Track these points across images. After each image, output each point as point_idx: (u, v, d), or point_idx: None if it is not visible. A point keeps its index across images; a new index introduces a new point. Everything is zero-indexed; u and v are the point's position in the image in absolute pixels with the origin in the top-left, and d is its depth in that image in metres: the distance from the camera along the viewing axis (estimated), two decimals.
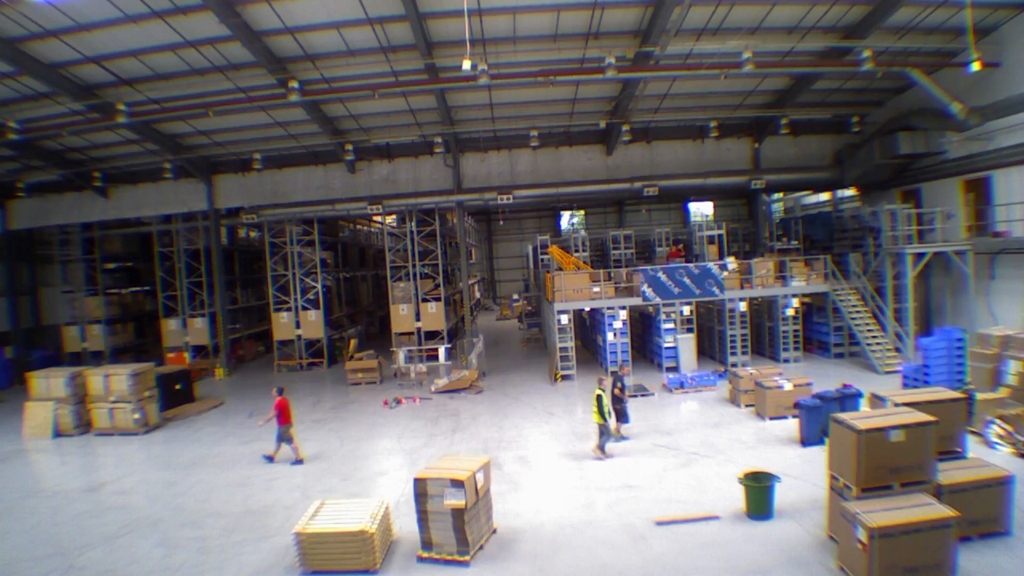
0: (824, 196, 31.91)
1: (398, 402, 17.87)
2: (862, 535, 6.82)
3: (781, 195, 35.87)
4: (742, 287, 19.52)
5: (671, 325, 19.31)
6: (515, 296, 40.38)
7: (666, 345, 19.29)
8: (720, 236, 23.24)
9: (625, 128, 21.89)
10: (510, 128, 23.40)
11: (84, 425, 16.76)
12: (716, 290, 19.22)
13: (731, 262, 19.82)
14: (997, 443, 11.25)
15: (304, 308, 25.08)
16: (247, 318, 29.70)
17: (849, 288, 19.38)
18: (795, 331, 19.81)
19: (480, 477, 8.64)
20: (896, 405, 8.39)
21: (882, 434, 7.39)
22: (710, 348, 21.44)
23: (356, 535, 8.07)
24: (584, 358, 22.90)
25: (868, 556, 6.74)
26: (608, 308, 19.36)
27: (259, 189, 24.97)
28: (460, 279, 28.17)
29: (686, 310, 19.45)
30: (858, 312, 18.83)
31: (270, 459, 13.08)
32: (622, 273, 20.43)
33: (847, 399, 12.32)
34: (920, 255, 18.52)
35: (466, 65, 14.72)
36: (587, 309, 22.10)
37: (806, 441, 12.04)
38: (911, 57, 18.82)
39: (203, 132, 22.33)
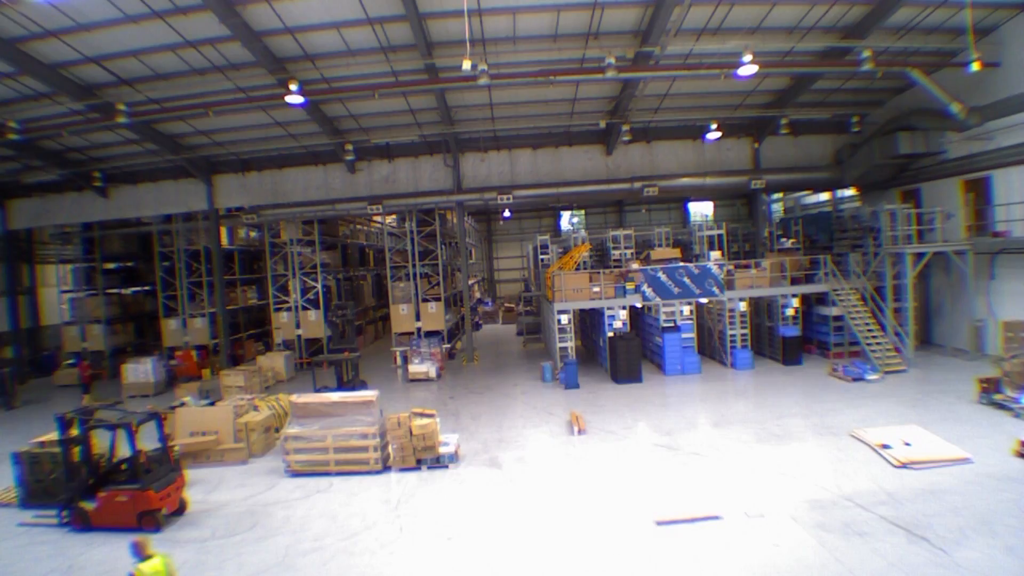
0: (824, 196, 31.93)
1: None
2: None
3: (781, 195, 35.89)
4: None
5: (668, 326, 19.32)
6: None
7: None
8: (720, 236, 23.26)
9: (625, 128, 21.87)
10: (510, 128, 23.40)
11: None
12: (716, 290, 19.23)
13: (715, 255, 20.07)
14: None
15: (304, 308, 25.08)
16: (247, 318, 29.70)
17: (849, 288, 19.38)
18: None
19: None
20: None
21: None
22: (711, 348, 21.45)
23: None
24: (584, 358, 22.91)
25: None
26: (608, 308, 19.39)
27: (259, 189, 24.97)
28: (460, 279, 28.18)
29: (686, 310, 19.46)
30: (858, 312, 18.83)
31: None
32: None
33: None
34: (920, 255, 18.54)
35: (466, 65, 14.73)
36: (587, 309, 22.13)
37: None
38: (911, 57, 18.82)
39: (203, 132, 22.32)
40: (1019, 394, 13.33)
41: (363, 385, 17.21)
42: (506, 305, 39.99)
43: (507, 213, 44.02)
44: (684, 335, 19.34)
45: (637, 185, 23.53)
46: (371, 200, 24.11)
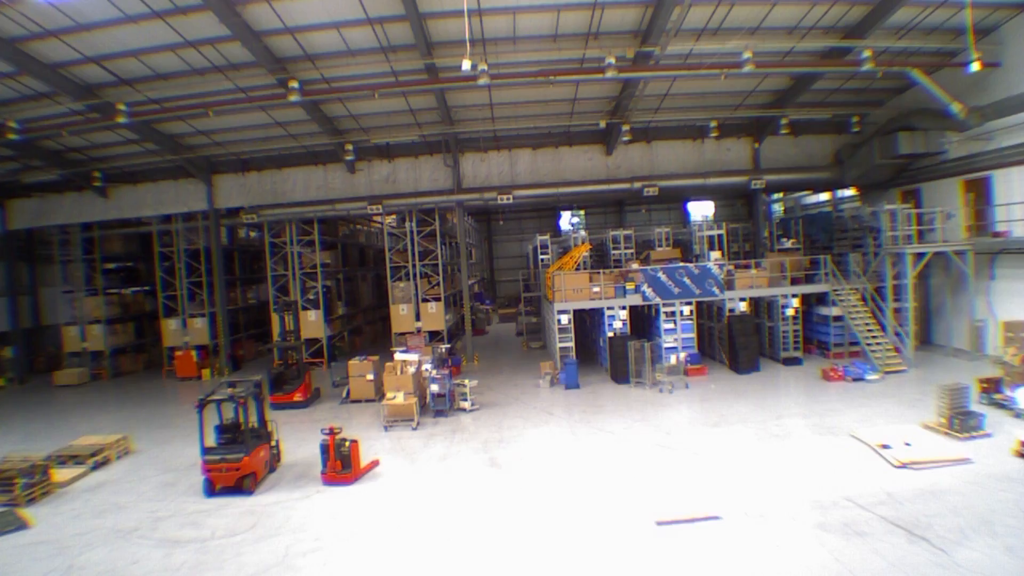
0: (824, 196, 31.91)
1: None
2: None
3: (781, 195, 35.88)
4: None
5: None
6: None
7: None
8: (720, 236, 23.25)
9: (625, 128, 21.87)
10: (510, 128, 23.39)
11: None
12: (716, 290, 19.23)
13: (715, 255, 20.11)
14: None
15: (304, 308, 25.06)
16: (247, 318, 29.69)
17: (849, 288, 19.37)
18: (795, 331, 19.85)
19: None
20: None
21: None
22: (710, 348, 21.45)
23: None
24: (584, 358, 22.89)
25: None
26: (608, 308, 19.38)
27: (259, 189, 24.97)
28: (460, 279, 28.16)
29: (686, 310, 19.45)
30: (858, 312, 18.82)
31: None
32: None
33: None
34: (920, 255, 18.53)
35: (466, 65, 14.72)
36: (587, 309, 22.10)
37: None
38: (911, 57, 18.82)
39: (203, 132, 22.31)
40: (1014, 392, 13.31)
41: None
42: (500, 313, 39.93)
43: (507, 213, 44.01)
44: (684, 335, 19.32)
45: (637, 185, 23.52)
46: (371, 200, 24.11)
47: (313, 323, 25.07)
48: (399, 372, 16.69)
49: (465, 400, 16.87)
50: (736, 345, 18.99)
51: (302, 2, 15.42)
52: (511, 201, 23.84)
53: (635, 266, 20.36)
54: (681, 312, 19.25)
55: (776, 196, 36.14)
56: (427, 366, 18.02)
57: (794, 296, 19.71)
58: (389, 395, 16.09)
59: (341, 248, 30.56)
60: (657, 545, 8.45)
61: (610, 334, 19.42)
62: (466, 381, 17.32)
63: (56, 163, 23.57)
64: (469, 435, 14.39)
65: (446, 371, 17.35)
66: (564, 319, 19.58)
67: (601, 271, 20.37)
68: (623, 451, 12.52)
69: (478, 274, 45.61)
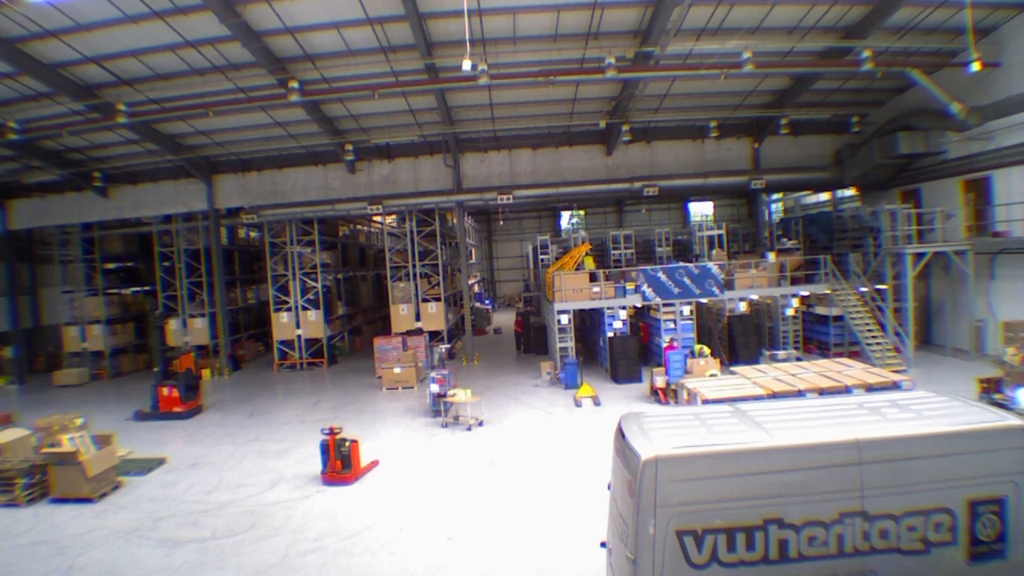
0: (824, 196, 31.94)
1: None
2: None
3: (781, 195, 35.92)
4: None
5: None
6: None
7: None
8: (720, 236, 23.29)
9: (625, 128, 21.89)
10: (510, 128, 23.41)
11: None
12: (716, 290, 19.23)
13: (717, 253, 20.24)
14: None
15: (304, 308, 25.07)
16: (247, 318, 29.68)
17: (849, 288, 19.38)
18: (795, 331, 19.86)
19: None
20: None
21: None
22: (711, 348, 21.40)
23: None
24: (584, 358, 22.90)
25: None
26: (608, 308, 19.39)
27: (259, 189, 24.98)
28: (460, 279, 28.19)
29: (686, 310, 19.45)
30: (858, 312, 18.83)
31: None
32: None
33: None
34: (920, 255, 18.54)
35: (466, 65, 14.74)
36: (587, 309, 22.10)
37: None
38: (911, 57, 18.83)
39: (203, 132, 22.32)
40: (1014, 392, 13.31)
41: None
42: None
43: (507, 213, 44.08)
44: (684, 335, 19.31)
45: (637, 185, 23.53)
46: (371, 200, 24.12)
47: (313, 323, 25.08)
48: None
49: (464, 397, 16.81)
50: (736, 344, 19.00)
51: (302, 2, 15.43)
52: (511, 201, 23.86)
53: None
54: (681, 312, 19.26)
55: (776, 196, 36.18)
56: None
57: (794, 296, 19.72)
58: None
59: (341, 248, 30.57)
60: None
61: (610, 334, 19.41)
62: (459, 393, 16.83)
63: (56, 163, 23.57)
64: (469, 434, 14.39)
65: (446, 371, 17.33)
66: (564, 319, 19.58)
67: (600, 271, 20.36)
68: None
69: (478, 274, 45.65)
